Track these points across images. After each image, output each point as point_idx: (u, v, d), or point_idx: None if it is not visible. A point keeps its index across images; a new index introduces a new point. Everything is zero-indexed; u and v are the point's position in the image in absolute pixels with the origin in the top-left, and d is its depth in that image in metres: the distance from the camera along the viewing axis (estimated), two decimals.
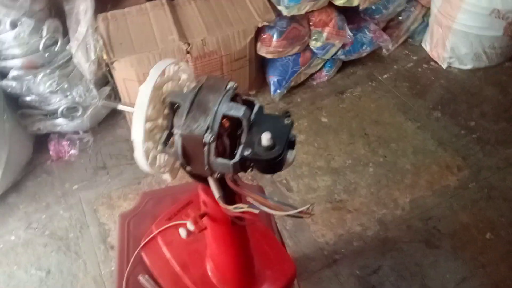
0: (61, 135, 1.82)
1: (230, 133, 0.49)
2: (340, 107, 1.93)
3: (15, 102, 1.70)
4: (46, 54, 1.60)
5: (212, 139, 0.46)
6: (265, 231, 0.88)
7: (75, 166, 1.78)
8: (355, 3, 1.76)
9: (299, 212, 0.48)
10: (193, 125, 0.47)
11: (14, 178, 1.71)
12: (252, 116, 0.49)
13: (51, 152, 1.79)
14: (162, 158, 0.54)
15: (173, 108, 0.51)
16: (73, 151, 1.80)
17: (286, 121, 0.49)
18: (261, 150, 0.47)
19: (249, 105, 0.49)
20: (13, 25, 1.52)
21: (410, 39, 2.20)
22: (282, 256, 0.84)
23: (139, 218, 0.96)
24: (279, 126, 0.48)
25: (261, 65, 1.91)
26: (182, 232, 0.85)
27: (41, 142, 1.83)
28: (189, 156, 0.49)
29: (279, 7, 1.68)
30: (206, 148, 0.47)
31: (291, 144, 0.49)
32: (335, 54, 1.92)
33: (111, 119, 1.93)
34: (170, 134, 0.52)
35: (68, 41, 1.61)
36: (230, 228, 0.63)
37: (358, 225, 1.54)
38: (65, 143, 1.80)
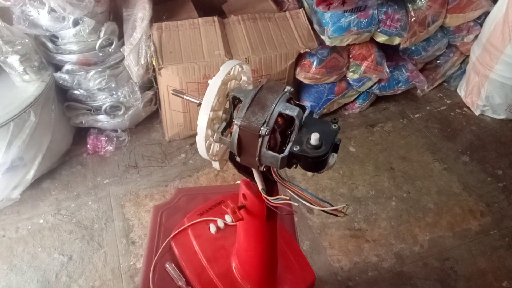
0: (100, 131, 1.91)
1: (281, 131, 0.55)
2: (369, 139, 1.97)
3: (64, 94, 1.81)
4: (101, 54, 1.72)
5: (267, 132, 0.52)
6: (289, 238, 0.92)
7: (109, 161, 1.87)
8: (395, 42, 1.82)
9: (335, 210, 0.53)
10: (251, 118, 0.53)
11: (51, 165, 1.81)
12: (303, 118, 0.54)
13: (88, 146, 1.88)
14: (215, 147, 0.60)
15: (234, 103, 0.58)
16: (109, 147, 1.89)
17: (334, 127, 0.54)
18: (309, 148, 0.52)
19: (301, 108, 0.55)
20: (75, 23, 1.64)
21: (445, 83, 2.25)
22: (303, 264, 0.87)
23: (172, 211, 1.01)
24: (327, 130, 0.54)
25: (297, 89, 1.98)
26: (212, 228, 0.92)
27: (80, 135, 1.93)
28: (242, 147, 0.55)
29: (323, 37, 1.76)
30: (260, 140, 0.53)
31: (335, 148, 0.54)
32: (370, 88, 1.98)
33: (148, 123, 2.03)
34: (227, 126, 0.58)
35: (122, 44, 1.72)
36: (263, 222, 0.68)
37: (374, 255, 1.55)
38: (103, 139, 1.89)
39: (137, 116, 1.93)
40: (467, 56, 2.13)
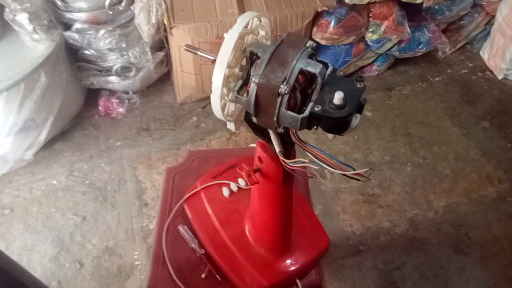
0: (112, 92, 1.89)
1: (301, 90, 0.51)
2: (386, 104, 1.91)
3: (74, 54, 1.77)
4: (110, 12, 1.66)
5: (287, 90, 0.48)
6: (303, 202, 0.90)
7: (121, 124, 1.86)
8: (418, 0, 1.73)
9: (357, 174, 0.50)
10: (270, 75, 0.49)
11: (63, 127, 1.80)
12: (326, 76, 0.51)
13: (100, 108, 1.87)
14: (230, 107, 0.57)
15: (251, 60, 0.54)
16: (120, 109, 1.87)
17: (359, 85, 0.51)
18: (331, 109, 0.49)
19: (323, 65, 0.51)
20: None
21: (468, 45, 2.15)
22: (317, 228, 0.86)
23: (184, 174, 1.00)
24: (351, 89, 0.50)
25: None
26: (225, 191, 0.90)
27: (91, 96, 1.91)
28: (259, 106, 0.52)
29: None
30: (279, 99, 0.49)
31: (359, 108, 0.51)
32: (389, 49, 1.90)
33: (160, 85, 2.00)
34: (243, 85, 0.54)
35: (132, 2, 1.66)
36: (279, 186, 0.65)
37: (387, 220, 1.54)
38: (114, 100, 1.87)
39: (148, 78, 1.89)
40: (493, 17, 2.02)
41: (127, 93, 1.90)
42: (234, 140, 1.78)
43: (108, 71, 1.81)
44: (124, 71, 1.81)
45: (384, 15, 1.76)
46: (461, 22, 2.02)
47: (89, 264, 1.43)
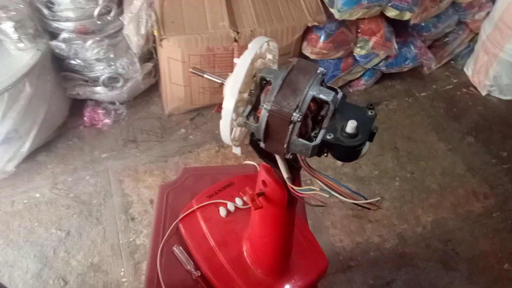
0: (98, 103, 1.85)
1: (312, 116, 0.51)
2: None
3: (60, 64, 1.73)
4: (99, 22, 1.63)
5: (299, 118, 0.47)
6: (301, 223, 0.89)
7: (107, 135, 1.82)
8: (406, 17, 1.76)
9: (368, 204, 0.50)
10: (283, 103, 0.48)
11: (47, 138, 1.75)
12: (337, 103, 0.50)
13: (85, 118, 1.82)
14: (236, 132, 0.56)
15: (261, 85, 0.53)
16: (106, 121, 1.83)
17: (370, 113, 0.50)
18: (344, 137, 0.48)
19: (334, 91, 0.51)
20: None
21: (452, 62, 2.20)
22: (315, 249, 0.85)
23: (178, 192, 0.97)
24: (362, 117, 0.50)
25: None
26: (222, 211, 0.88)
27: (76, 107, 1.86)
28: (269, 133, 0.51)
29: (332, 10, 1.69)
30: (291, 126, 0.48)
31: (370, 136, 0.50)
32: (377, 64, 1.92)
33: (147, 96, 1.97)
34: (252, 110, 0.53)
35: (122, 12, 1.64)
36: (283, 210, 0.64)
37: (377, 236, 1.54)
38: (100, 111, 1.83)
39: (135, 89, 1.86)
40: (476, 34, 2.07)
41: (113, 103, 1.86)
42: (223, 153, 1.77)
43: (94, 81, 1.77)
44: (111, 81, 1.78)
45: (372, 31, 1.78)
46: (446, 39, 2.06)
47: (73, 281, 1.39)
